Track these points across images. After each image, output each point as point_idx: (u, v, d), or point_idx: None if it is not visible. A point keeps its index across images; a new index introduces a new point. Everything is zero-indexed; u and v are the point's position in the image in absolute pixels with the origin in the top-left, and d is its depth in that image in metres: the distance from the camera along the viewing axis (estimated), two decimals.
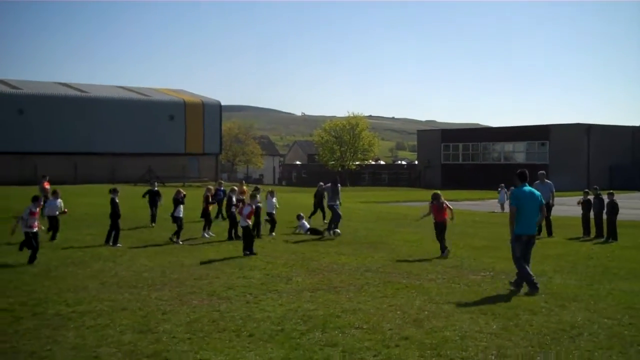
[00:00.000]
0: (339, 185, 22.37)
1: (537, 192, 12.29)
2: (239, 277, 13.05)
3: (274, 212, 21.68)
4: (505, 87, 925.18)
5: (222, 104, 79.07)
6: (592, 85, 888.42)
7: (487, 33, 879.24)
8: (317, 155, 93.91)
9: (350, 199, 31.41)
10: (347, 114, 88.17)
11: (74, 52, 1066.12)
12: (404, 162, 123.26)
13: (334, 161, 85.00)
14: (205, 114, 75.60)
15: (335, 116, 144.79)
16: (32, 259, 14.92)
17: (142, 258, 15.78)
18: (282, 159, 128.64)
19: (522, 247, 11.86)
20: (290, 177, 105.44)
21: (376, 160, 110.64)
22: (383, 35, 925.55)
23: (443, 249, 16.42)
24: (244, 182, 30.65)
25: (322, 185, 25.58)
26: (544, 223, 18.71)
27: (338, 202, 21.73)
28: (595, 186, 23.65)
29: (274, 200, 21.99)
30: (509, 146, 71.43)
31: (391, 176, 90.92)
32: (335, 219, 21.27)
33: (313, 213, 26.06)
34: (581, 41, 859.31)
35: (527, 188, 12.20)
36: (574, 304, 10.65)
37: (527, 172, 12.42)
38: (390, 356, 7.58)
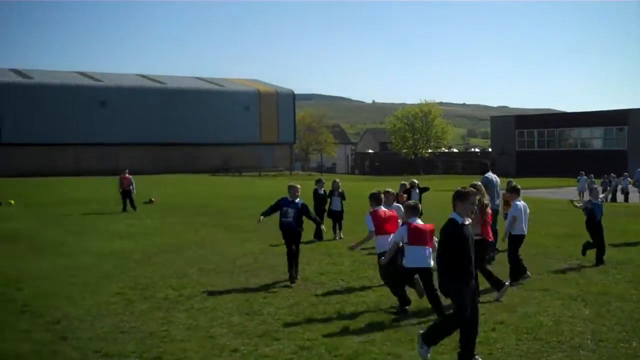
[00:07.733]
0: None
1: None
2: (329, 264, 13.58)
3: None
4: (577, 71, 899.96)
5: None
6: None
7: (555, 17, 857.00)
8: (389, 144, 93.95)
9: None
10: (419, 101, 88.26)
11: (152, 44, 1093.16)
12: (477, 150, 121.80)
13: (407, 149, 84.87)
14: (280, 104, 76.87)
15: (404, 103, 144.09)
16: None
17: (231, 246, 16.48)
18: (354, 147, 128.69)
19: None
20: (363, 165, 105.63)
21: (449, 148, 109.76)
22: (451, 24, 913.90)
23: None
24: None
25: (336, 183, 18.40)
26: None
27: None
28: None
29: None
30: (585, 132, 69.62)
31: (464, 164, 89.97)
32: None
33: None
34: None
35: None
36: None
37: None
38: (489, 338, 7.92)
